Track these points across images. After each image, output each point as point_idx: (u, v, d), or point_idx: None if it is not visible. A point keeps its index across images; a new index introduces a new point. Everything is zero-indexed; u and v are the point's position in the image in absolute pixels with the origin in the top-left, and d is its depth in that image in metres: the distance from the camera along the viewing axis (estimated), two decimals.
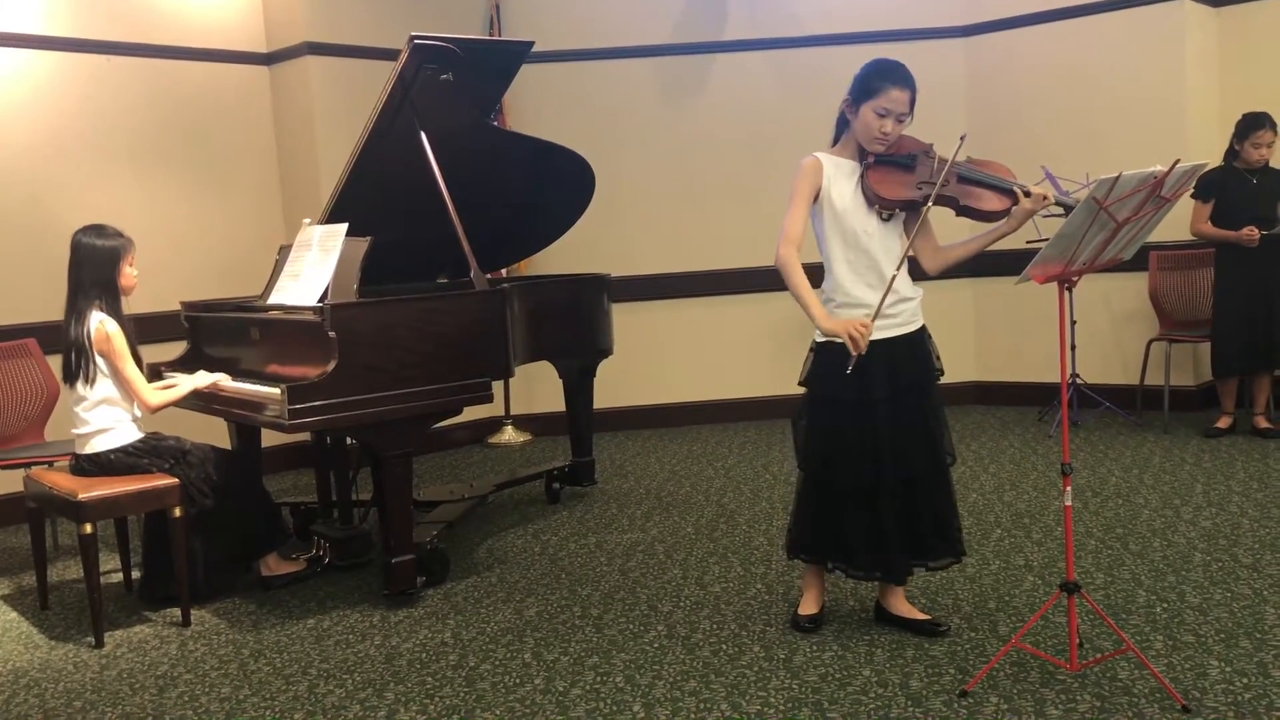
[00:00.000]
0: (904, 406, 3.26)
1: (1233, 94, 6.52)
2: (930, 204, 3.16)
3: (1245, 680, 2.93)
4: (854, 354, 3.08)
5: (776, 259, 3.25)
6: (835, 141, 3.36)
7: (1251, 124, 5.65)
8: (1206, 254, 6.09)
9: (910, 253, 3.25)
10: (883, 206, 3.24)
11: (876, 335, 3.18)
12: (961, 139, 3.16)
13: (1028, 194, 3.15)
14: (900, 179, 3.23)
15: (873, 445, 3.25)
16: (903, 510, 3.28)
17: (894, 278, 3.16)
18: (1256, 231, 5.53)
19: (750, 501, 5.12)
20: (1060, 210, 3.22)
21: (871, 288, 3.23)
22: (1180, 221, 5.80)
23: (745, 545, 4.43)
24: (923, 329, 3.34)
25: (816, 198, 3.27)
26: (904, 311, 3.27)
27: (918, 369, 3.29)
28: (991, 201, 3.21)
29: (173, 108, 6.12)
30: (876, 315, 3.14)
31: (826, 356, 3.28)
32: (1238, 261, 5.69)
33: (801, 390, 3.40)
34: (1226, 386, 5.91)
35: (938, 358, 3.36)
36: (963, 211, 3.24)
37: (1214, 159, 5.78)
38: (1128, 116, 6.51)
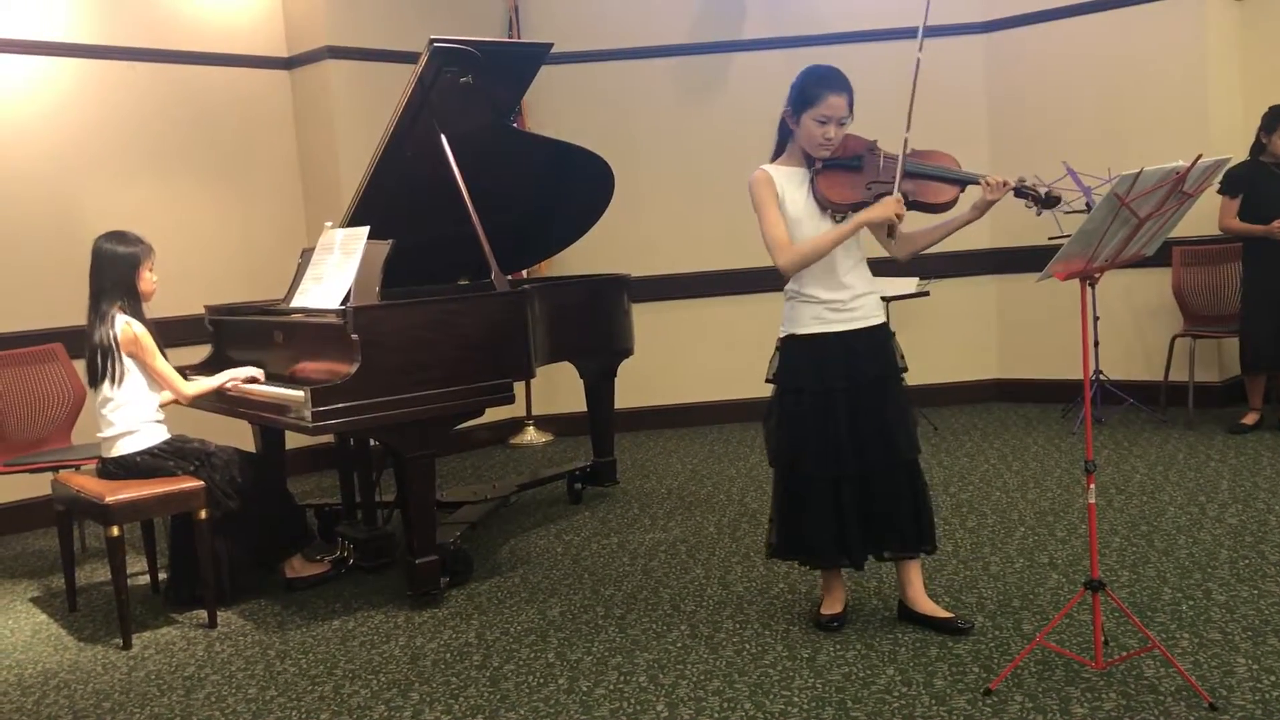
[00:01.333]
0: (862, 400, 3.31)
1: (1255, 86, 6.47)
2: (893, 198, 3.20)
3: (1273, 678, 2.91)
4: (898, 222, 3.18)
5: (784, 270, 3.31)
6: (778, 153, 3.41)
7: (1278, 117, 5.60)
8: (1230, 249, 6.04)
9: (893, 238, 3.29)
10: (835, 210, 3.29)
11: (838, 328, 3.30)
12: (906, 139, 3.21)
13: (986, 183, 3.17)
14: (849, 181, 3.28)
15: (834, 433, 3.30)
16: (864, 500, 3.33)
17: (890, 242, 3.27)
18: None
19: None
20: (1022, 198, 3.22)
21: (829, 288, 3.30)
22: (1202, 216, 5.76)
23: (765, 547, 4.41)
24: (884, 325, 3.40)
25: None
26: (864, 306, 3.34)
27: (879, 363, 3.34)
28: (942, 193, 3.27)
29: (195, 113, 6.17)
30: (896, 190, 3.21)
31: (790, 350, 3.38)
32: (1266, 256, 5.64)
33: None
34: (1255, 382, 5.86)
35: (901, 356, 3.41)
36: (913, 206, 3.28)
37: (1236, 152, 5.74)
38: (1149, 111, 6.46)
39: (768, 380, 3.46)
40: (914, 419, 3.43)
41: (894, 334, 3.42)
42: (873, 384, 3.32)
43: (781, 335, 3.41)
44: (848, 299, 3.31)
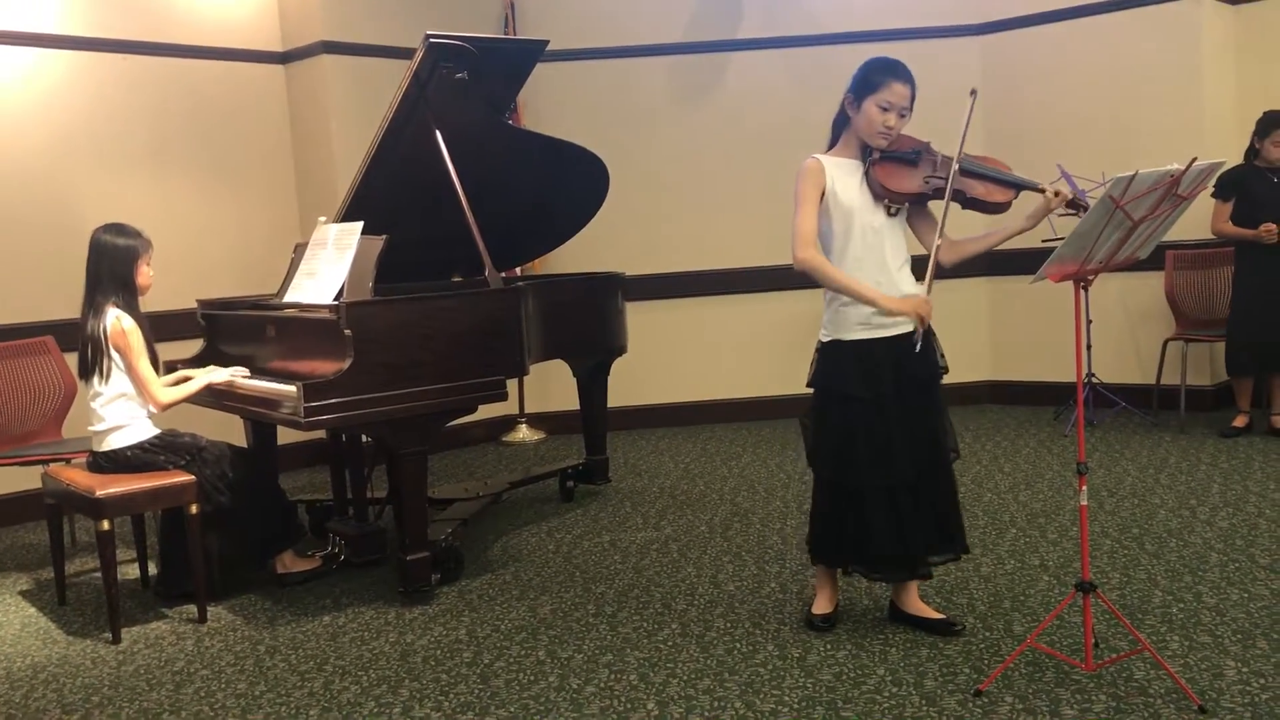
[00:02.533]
0: (911, 403, 3.28)
1: (1250, 91, 6.48)
2: (948, 196, 3.17)
3: (1262, 681, 2.92)
4: (919, 330, 3.15)
5: (798, 263, 3.25)
6: (833, 143, 3.38)
7: (1272, 123, 5.61)
8: (1223, 253, 6.06)
9: (939, 243, 3.22)
10: (891, 200, 3.26)
11: (884, 333, 3.24)
12: (964, 137, 3.18)
13: (1054, 193, 3.11)
14: (907, 173, 3.25)
15: (885, 442, 3.26)
16: (912, 506, 3.29)
17: (935, 249, 3.21)
18: (1275, 228, 5.50)
19: (764, 500, 5.12)
20: (1073, 211, 3.22)
21: (879, 284, 3.24)
22: (1196, 220, 5.77)
23: (759, 544, 4.43)
24: (929, 325, 3.34)
25: (822, 199, 3.28)
26: (917, 295, 3.27)
27: (923, 365, 3.30)
28: (997, 194, 3.25)
29: (189, 107, 6.15)
30: (929, 290, 3.21)
31: (834, 355, 3.32)
32: (1257, 260, 5.66)
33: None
34: (1242, 386, 5.88)
35: (942, 355, 3.37)
36: (969, 204, 3.26)
37: (1231, 156, 5.74)
38: (1144, 114, 6.47)
39: (809, 384, 3.40)
40: (949, 419, 3.41)
41: (934, 333, 3.36)
42: (920, 386, 3.29)
43: (824, 339, 3.34)
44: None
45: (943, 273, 3.39)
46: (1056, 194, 3.11)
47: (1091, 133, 6.63)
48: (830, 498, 3.39)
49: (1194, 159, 2.72)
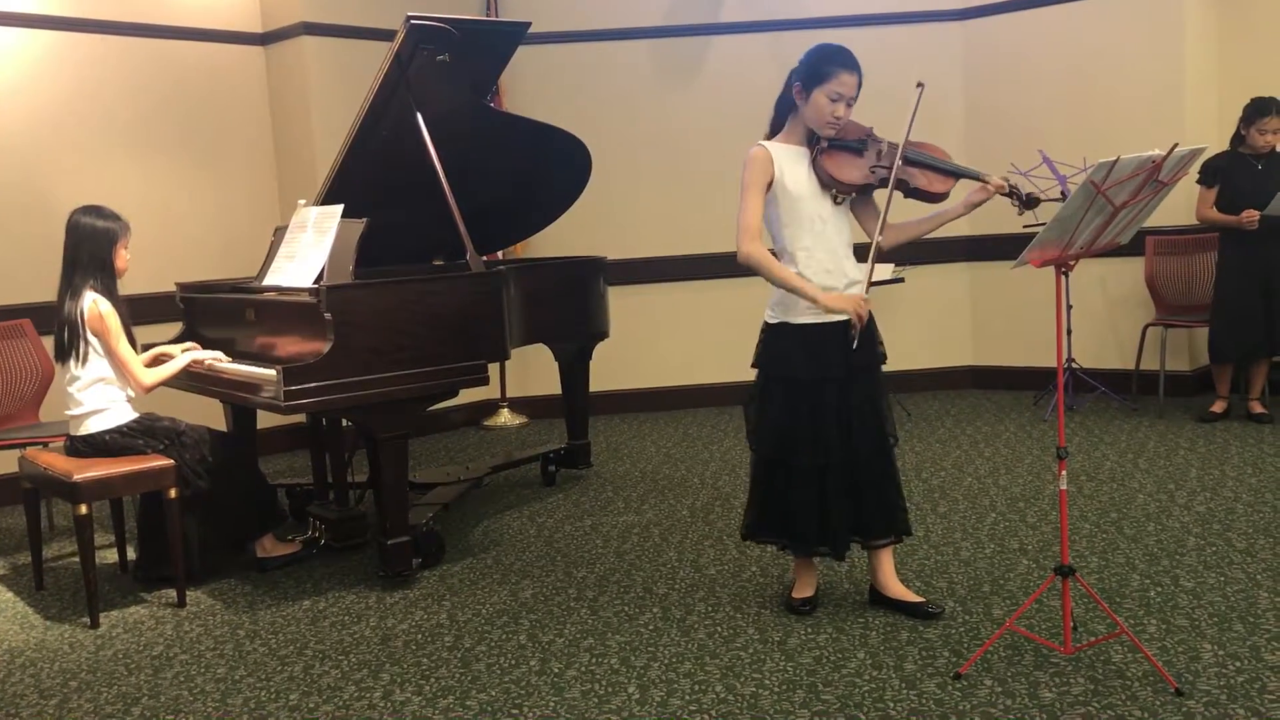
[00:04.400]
0: (854, 387, 3.32)
1: (1232, 78, 6.51)
2: (891, 186, 3.25)
3: (1238, 664, 2.94)
4: (857, 327, 3.20)
5: (742, 257, 3.27)
6: (777, 126, 3.39)
7: (1258, 110, 5.62)
8: (1203, 239, 6.09)
9: (880, 235, 3.29)
10: (839, 190, 3.29)
11: (832, 318, 3.28)
12: (910, 127, 3.26)
13: (990, 185, 3.24)
14: (853, 163, 3.30)
15: (823, 424, 3.30)
16: (847, 488, 3.33)
17: (876, 245, 3.26)
18: (1256, 214, 5.52)
19: (745, 485, 5.08)
20: (1015, 202, 3.31)
21: (829, 272, 3.29)
22: (1176, 206, 5.79)
23: (740, 528, 4.42)
24: (869, 312, 3.38)
25: (769, 188, 3.29)
26: (854, 293, 3.31)
27: (866, 351, 3.33)
28: (938, 183, 3.33)
29: (168, 88, 6.09)
30: (868, 288, 3.30)
31: (780, 338, 3.35)
32: (1238, 246, 5.68)
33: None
34: (1221, 371, 5.92)
35: (880, 342, 3.40)
36: (912, 193, 3.33)
37: (1213, 143, 5.76)
38: (1126, 101, 6.49)
39: (753, 365, 3.43)
40: (890, 405, 3.46)
41: (875, 321, 3.40)
42: (863, 371, 3.32)
43: (771, 321, 3.37)
44: (843, 287, 3.30)
45: (923, 257, 3.41)
46: (996, 186, 3.23)
47: (1073, 119, 6.64)
48: (767, 478, 3.43)
49: (1175, 145, 2.72)
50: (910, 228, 3.39)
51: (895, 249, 3.48)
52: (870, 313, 3.33)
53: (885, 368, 3.43)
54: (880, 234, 3.27)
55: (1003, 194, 3.27)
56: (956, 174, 3.34)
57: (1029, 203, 3.33)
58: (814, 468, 3.32)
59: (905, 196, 3.33)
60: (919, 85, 3.29)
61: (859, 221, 3.41)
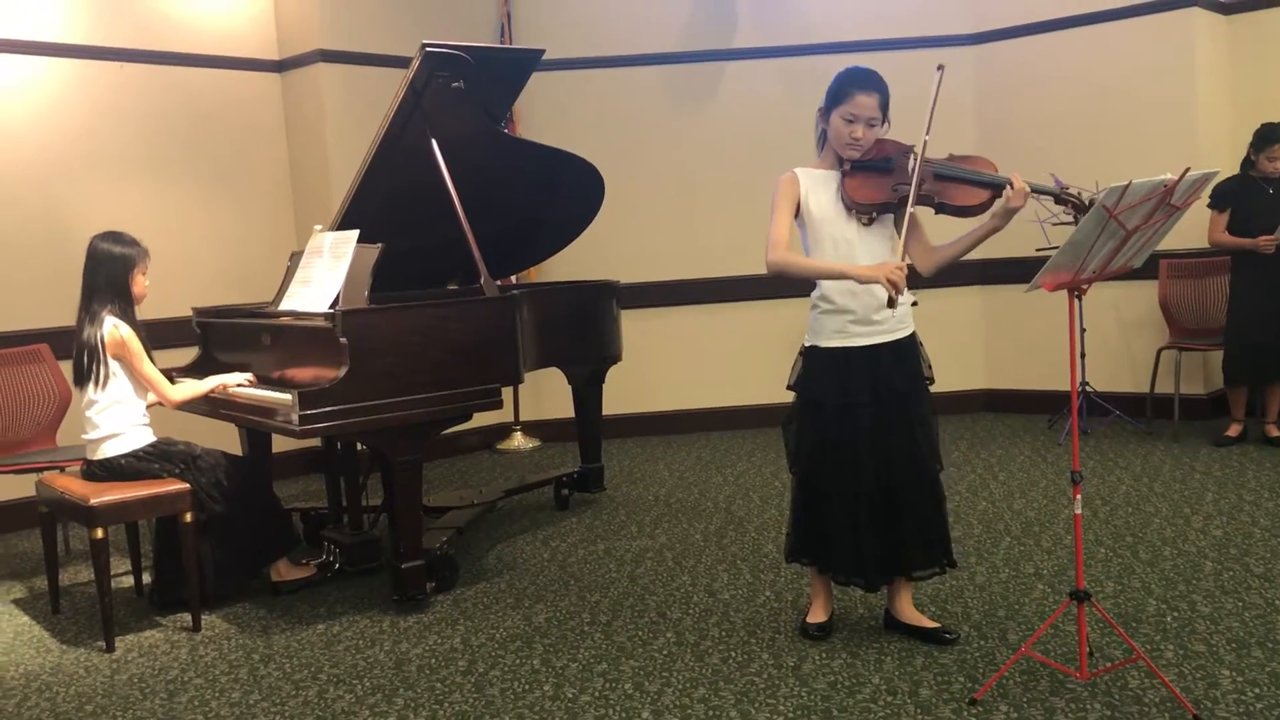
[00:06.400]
0: (886, 413, 3.27)
1: (1244, 101, 6.51)
2: (911, 204, 3.13)
3: (1257, 690, 2.92)
4: (895, 294, 3.02)
5: (769, 266, 3.25)
6: (821, 153, 3.39)
7: (1267, 137, 5.62)
8: (1217, 262, 6.08)
9: (903, 255, 3.19)
10: (859, 211, 3.25)
11: (861, 342, 3.24)
12: (925, 140, 3.13)
13: (1011, 186, 3.08)
14: (876, 182, 3.24)
15: (853, 450, 3.26)
16: (881, 517, 3.28)
17: (906, 229, 3.16)
18: (1275, 240, 5.51)
19: (759, 509, 5.12)
20: (1063, 212, 3.21)
21: (854, 294, 3.24)
22: (1189, 229, 5.77)
23: (754, 552, 4.42)
24: (913, 335, 3.34)
25: (797, 212, 3.30)
26: (890, 318, 3.26)
27: (903, 376, 3.29)
28: (969, 196, 3.18)
29: (186, 115, 6.15)
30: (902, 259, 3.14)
31: (811, 361, 3.34)
32: (1252, 270, 5.68)
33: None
34: (1236, 394, 5.90)
35: (928, 366, 3.36)
36: (941, 209, 3.23)
37: (1224, 166, 5.76)
38: (1138, 125, 6.49)
39: (789, 387, 3.42)
40: (937, 431, 3.38)
41: (920, 343, 3.36)
42: (899, 397, 3.27)
43: (806, 344, 3.37)
44: (874, 309, 3.23)
45: (936, 280, 3.38)
46: (1020, 191, 3.06)
47: (1086, 142, 6.65)
48: (804, 501, 3.41)
49: (1187, 169, 2.73)
50: (946, 249, 3.29)
51: (940, 271, 3.35)
52: (914, 334, 3.29)
53: None
54: (904, 254, 3.16)
55: (1063, 216, 3.05)
56: (994, 185, 3.15)
57: (1063, 200, 3.08)
58: (848, 494, 3.28)
59: (937, 213, 3.24)
60: (939, 68, 3.18)
61: (910, 253, 3.25)
